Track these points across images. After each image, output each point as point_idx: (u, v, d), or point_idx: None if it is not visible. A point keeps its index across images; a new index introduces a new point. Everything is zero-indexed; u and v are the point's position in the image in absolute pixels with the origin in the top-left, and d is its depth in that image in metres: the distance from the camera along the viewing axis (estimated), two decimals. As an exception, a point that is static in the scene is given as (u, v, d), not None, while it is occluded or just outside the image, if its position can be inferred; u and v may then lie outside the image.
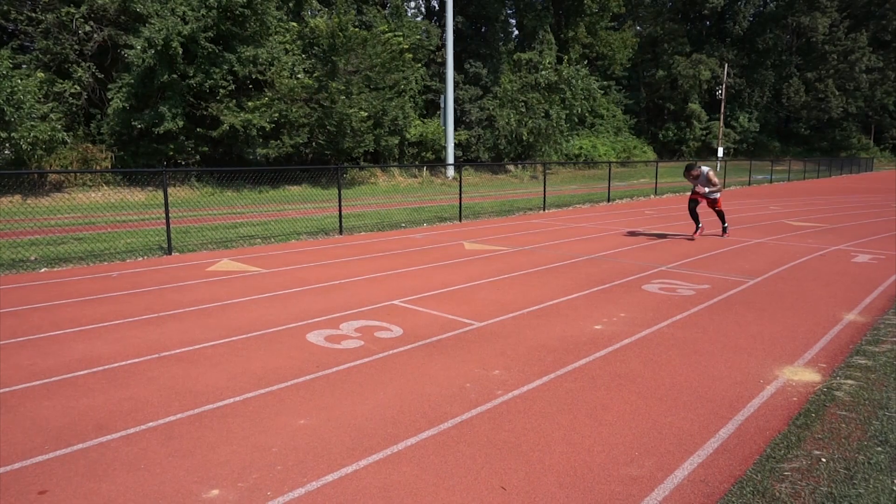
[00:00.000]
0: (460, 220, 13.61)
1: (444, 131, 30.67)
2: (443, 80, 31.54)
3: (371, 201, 18.91)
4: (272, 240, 10.56)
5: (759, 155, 54.36)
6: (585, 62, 42.26)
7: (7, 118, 17.29)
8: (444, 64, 30.93)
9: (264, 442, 3.12)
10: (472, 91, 34.86)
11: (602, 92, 44.76)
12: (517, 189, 25.55)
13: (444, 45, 31.03)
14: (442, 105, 32.09)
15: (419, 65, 31.07)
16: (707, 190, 10.24)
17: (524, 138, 34.62)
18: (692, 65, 54.49)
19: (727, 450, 3.04)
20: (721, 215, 10.68)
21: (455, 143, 31.39)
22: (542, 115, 34.87)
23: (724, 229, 10.70)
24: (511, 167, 34.14)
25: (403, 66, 28.06)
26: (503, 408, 3.53)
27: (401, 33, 28.31)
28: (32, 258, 8.63)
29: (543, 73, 36.76)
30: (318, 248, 9.69)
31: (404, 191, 24.24)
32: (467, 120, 34.49)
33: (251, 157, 23.31)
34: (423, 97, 33.22)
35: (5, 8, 20.53)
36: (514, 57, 39.77)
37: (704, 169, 10.24)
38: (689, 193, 22.09)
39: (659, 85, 56.63)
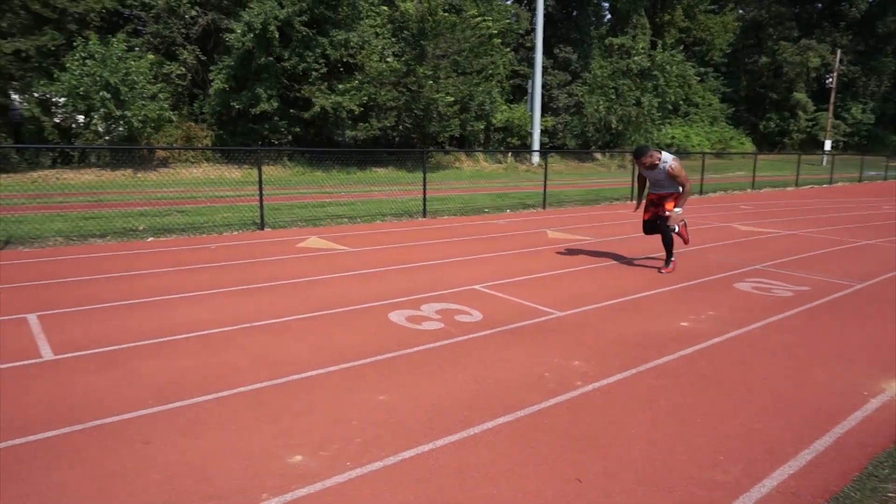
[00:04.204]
0: (544, 208, 13.43)
1: (531, 117, 30.27)
2: (531, 64, 31.08)
3: (455, 185, 19.00)
4: (358, 220, 10.83)
5: (873, 150, 50.17)
6: (681, 47, 40.36)
7: (122, 97, 18.61)
8: (532, 48, 30.45)
9: (345, 414, 3.23)
10: (561, 76, 34.14)
11: (698, 79, 42.67)
12: (604, 178, 24.90)
13: (533, 30, 30.53)
14: (529, 90, 31.65)
15: (507, 49, 30.73)
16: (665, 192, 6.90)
17: (613, 126, 33.61)
18: (800, 51, 50.84)
19: (822, 463, 2.85)
20: (667, 242, 6.89)
21: (541, 130, 30.94)
22: (633, 102, 33.68)
23: (668, 261, 6.98)
24: (598, 155, 33.27)
25: (491, 50, 27.86)
26: (582, 399, 3.48)
27: (490, 17, 28.06)
28: (141, 228, 9.29)
29: (636, 58, 35.45)
30: (402, 230, 9.85)
31: (488, 176, 24.18)
32: (554, 106, 33.86)
33: (340, 138, 23.96)
34: (511, 82, 32.87)
35: (122, -6, 21.99)
36: (606, 42, 38.54)
37: (667, 157, 6.71)
38: (784, 189, 20.43)
39: (761, 72, 53.25)
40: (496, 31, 27.89)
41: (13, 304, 5.18)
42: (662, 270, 6.92)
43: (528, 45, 32.75)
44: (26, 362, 3.88)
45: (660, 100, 34.89)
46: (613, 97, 33.77)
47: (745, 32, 52.96)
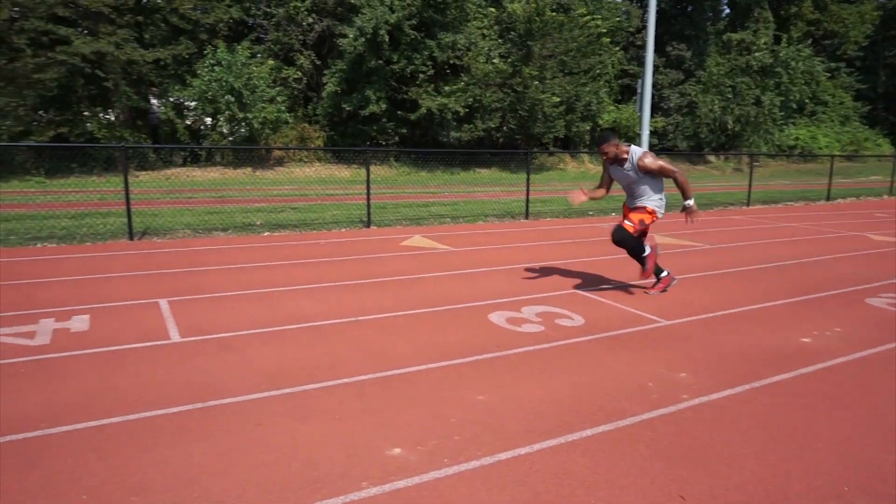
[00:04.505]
0: (650, 212, 12.93)
1: (640, 118, 29.16)
2: (641, 63, 29.97)
3: (559, 187, 18.72)
4: (461, 220, 10.95)
5: None
6: (809, 41, 37.39)
7: (245, 101, 19.94)
8: (643, 47, 29.35)
9: (444, 411, 3.28)
10: (673, 75, 32.69)
11: (828, 75, 39.35)
12: (718, 182, 23.60)
13: (644, 27, 29.43)
14: (638, 90, 30.51)
15: (617, 48, 29.87)
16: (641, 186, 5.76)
17: (729, 127, 31.74)
18: (953, 42, 45.55)
19: (969, 502, 2.55)
20: (637, 254, 5.80)
21: (651, 131, 29.76)
22: (753, 101, 31.63)
23: (658, 280, 5.99)
24: (712, 158, 31.59)
25: (600, 49, 27.19)
26: (688, 413, 3.32)
27: (599, 16, 27.40)
28: (258, 223, 9.92)
29: (757, 54, 33.26)
30: (504, 231, 9.85)
31: (594, 178, 23.61)
32: (665, 106, 32.48)
33: (445, 139, 24.33)
34: (619, 82, 31.91)
35: (247, 4, 23.56)
36: (724, 38, 36.44)
37: (636, 150, 5.61)
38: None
39: (904, 67, 48.24)
40: (605, 30, 27.19)
41: (148, 290, 5.70)
42: (649, 291, 5.87)
43: (639, 43, 31.66)
44: (158, 343, 4.26)
45: (783, 98, 32.55)
46: (730, 96, 31.87)
47: (886, 23, 48.12)
